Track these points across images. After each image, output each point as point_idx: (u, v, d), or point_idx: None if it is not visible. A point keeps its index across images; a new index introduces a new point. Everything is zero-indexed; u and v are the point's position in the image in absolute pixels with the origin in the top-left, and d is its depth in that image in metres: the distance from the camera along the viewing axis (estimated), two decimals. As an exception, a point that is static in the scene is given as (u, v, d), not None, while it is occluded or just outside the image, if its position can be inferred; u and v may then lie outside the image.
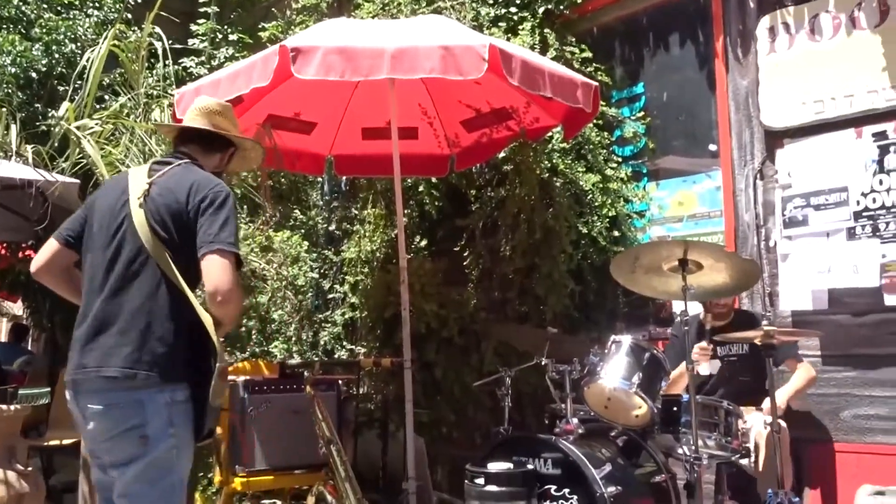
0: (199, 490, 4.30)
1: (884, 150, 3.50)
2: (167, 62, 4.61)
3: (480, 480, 2.90)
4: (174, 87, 4.81)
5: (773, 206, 3.82)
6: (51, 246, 2.35)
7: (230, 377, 3.82)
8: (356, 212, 5.06)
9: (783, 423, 3.05)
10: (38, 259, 2.34)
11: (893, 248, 3.41)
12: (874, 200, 3.50)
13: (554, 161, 4.37)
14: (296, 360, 4.58)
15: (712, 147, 4.19)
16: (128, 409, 2.09)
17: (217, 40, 6.16)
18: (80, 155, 4.23)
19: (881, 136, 3.51)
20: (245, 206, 4.99)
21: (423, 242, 4.76)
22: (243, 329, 4.81)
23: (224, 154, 2.50)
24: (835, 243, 3.59)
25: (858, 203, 3.54)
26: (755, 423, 3.15)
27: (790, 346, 3.40)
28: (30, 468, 3.90)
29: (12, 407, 4.17)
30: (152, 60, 4.98)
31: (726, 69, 4.06)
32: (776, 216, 3.79)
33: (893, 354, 3.42)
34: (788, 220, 3.75)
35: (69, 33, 6.22)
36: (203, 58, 5.96)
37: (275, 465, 3.57)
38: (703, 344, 3.30)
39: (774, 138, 3.85)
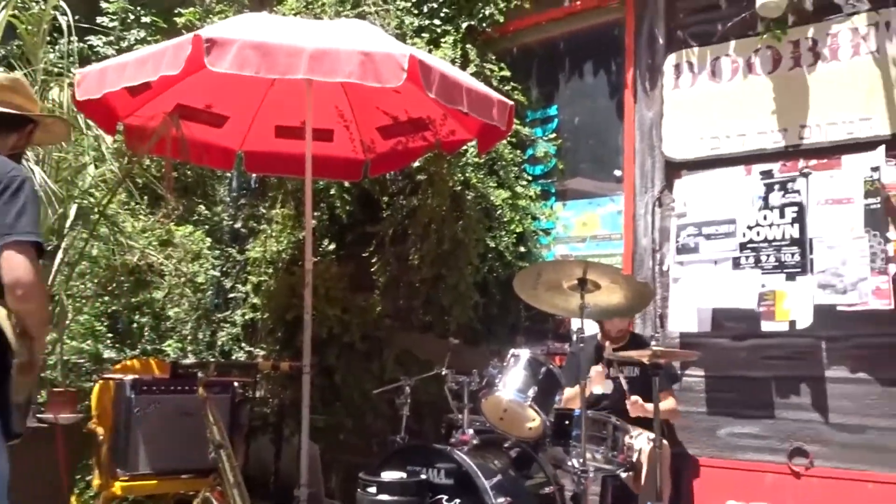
0: (76, 493, 4.07)
1: (769, 188, 3.75)
2: (72, 38, 4.38)
3: (373, 489, 2.90)
4: (77, 65, 4.58)
5: (668, 232, 4.03)
6: None
7: (117, 375, 3.65)
8: (264, 210, 4.96)
9: (664, 441, 3.21)
10: None
11: (772, 279, 3.65)
12: (758, 234, 3.74)
13: (467, 174, 4.44)
14: (190, 359, 4.43)
15: (617, 172, 4.37)
16: None
17: (128, 21, 5.91)
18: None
19: (768, 174, 3.76)
20: (145, 197, 4.80)
21: (332, 246, 4.72)
22: (135, 325, 4.61)
23: (21, 132, 2.37)
24: (721, 271, 3.81)
25: (744, 235, 3.77)
26: (639, 439, 3.30)
27: (670, 378, 3.59)
28: None
29: None
30: (55, 35, 4.72)
31: (634, 100, 4.26)
32: (671, 242, 4.00)
33: (767, 377, 3.67)
34: (681, 247, 3.95)
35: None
36: (112, 38, 5.70)
37: (160, 469, 3.45)
38: (599, 368, 3.43)
39: (674, 169, 4.06)
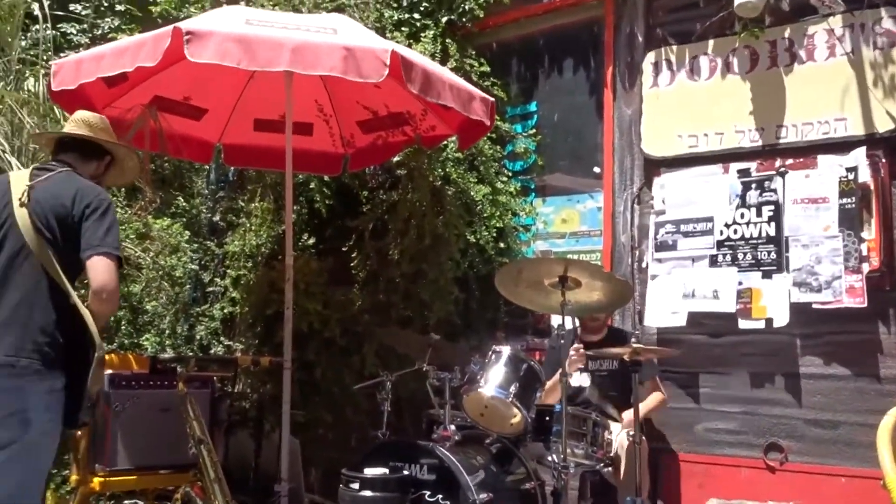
0: (52, 489, 4.02)
1: (746, 186, 3.81)
2: (46, 26, 4.30)
3: (355, 485, 2.90)
4: (51, 53, 4.50)
5: (647, 229, 4.07)
6: None
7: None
8: (243, 204, 4.91)
9: (643, 436, 3.26)
10: None
11: (749, 277, 3.72)
12: (735, 231, 3.80)
13: (447, 170, 4.44)
14: (168, 354, 4.38)
15: (596, 169, 4.41)
16: (10, 395, 2.24)
17: (102, 9, 5.80)
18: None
19: (745, 173, 3.82)
20: (122, 190, 4.72)
21: (311, 240, 4.69)
22: (112, 319, 4.54)
23: (101, 162, 2.69)
24: (698, 268, 3.87)
25: (721, 233, 3.83)
26: (618, 435, 3.34)
27: (653, 367, 3.64)
28: None
29: None
30: (27, 22, 4.63)
31: (613, 97, 4.29)
32: (649, 239, 4.04)
33: (743, 374, 3.74)
34: (659, 244, 4.00)
35: (-70, -17, 5.65)
36: (85, 26, 5.59)
37: (139, 464, 3.41)
38: (578, 346, 3.45)
39: (652, 166, 4.11)
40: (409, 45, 4.36)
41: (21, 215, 2.36)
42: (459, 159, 4.52)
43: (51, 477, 3.92)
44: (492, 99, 3.72)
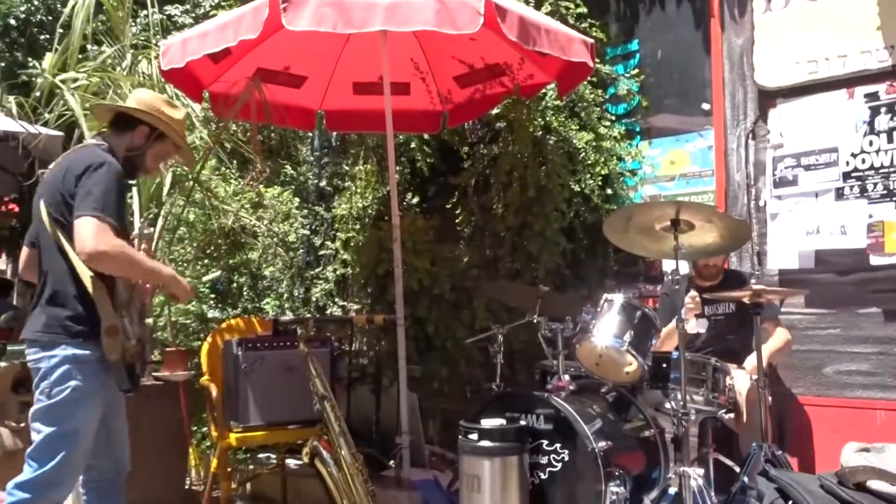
0: (193, 444, 4.35)
1: (875, 112, 3.52)
2: (154, 10, 4.50)
3: (474, 436, 2.96)
4: (160, 35, 4.71)
5: (764, 166, 3.85)
6: (26, 252, 2.62)
7: (230, 336, 3.82)
8: (347, 168, 5.02)
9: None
10: (21, 263, 2.67)
11: (880, 209, 3.46)
12: (863, 161, 3.53)
13: (547, 119, 4.35)
14: (288, 316, 4.60)
15: (705, 106, 4.18)
16: (40, 364, 2.40)
17: (202, -12, 5.99)
18: (65, 107, 4.15)
19: (873, 97, 3.53)
20: (235, 161, 4.94)
21: (415, 199, 4.75)
22: (234, 285, 4.81)
23: (133, 133, 2.64)
24: (823, 203, 3.63)
25: (848, 164, 3.57)
26: (739, 380, 3.23)
27: (771, 308, 3.47)
28: (22, 424, 3.91)
29: (1, 363, 4.17)
30: (135, 7, 4.85)
31: (721, 28, 4.03)
32: (767, 176, 3.82)
33: (875, 313, 3.51)
34: (779, 181, 3.78)
35: (49, -22, 6.03)
36: (188, 5, 5.81)
37: (269, 420, 3.61)
38: (693, 293, 3.34)
39: (767, 98, 3.85)
40: (502, -7, 4.25)
41: (39, 204, 2.47)
42: (559, 107, 4.41)
43: (192, 434, 4.24)
44: (591, 41, 3.59)
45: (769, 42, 3.83)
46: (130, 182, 3.21)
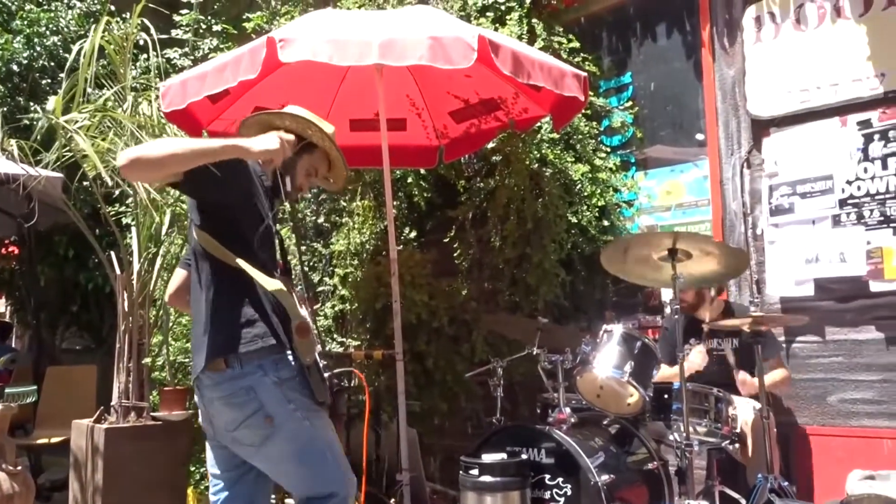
0: (192, 485, 4.29)
1: (868, 139, 3.54)
2: (155, 53, 4.57)
3: (475, 471, 2.92)
4: (160, 78, 4.77)
5: (759, 194, 3.86)
6: (178, 274, 2.50)
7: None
8: (345, 204, 5.04)
9: (769, 410, 3.09)
10: (171, 286, 2.51)
11: (878, 235, 3.46)
12: (858, 188, 3.54)
13: (543, 151, 4.38)
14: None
15: (699, 136, 4.22)
16: (247, 395, 2.15)
17: (201, 31, 6.10)
18: (66, 148, 4.19)
19: (865, 124, 3.55)
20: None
21: (413, 234, 4.76)
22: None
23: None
24: (820, 231, 3.63)
25: (843, 191, 3.58)
26: (743, 410, 3.19)
27: (775, 345, 3.45)
28: (18, 468, 3.85)
29: (-1, 405, 4.13)
30: (135, 52, 4.92)
31: (713, 58, 4.09)
32: (763, 204, 3.83)
33: (878, 339, 3.48)
34: (775, 208, 3.79)
35: (51, 25, 6.14)
36: (186, 49, 5.90)
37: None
38: (701, 348, 3.32)
39: (761, 127, 3.89)
40: (496, 30, 4.33)
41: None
42: (555, 140, 4.45)
43: (189, 475, 4.18)
44: (584, 73, 3.64)
45: (761, 72, 3.88)
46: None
